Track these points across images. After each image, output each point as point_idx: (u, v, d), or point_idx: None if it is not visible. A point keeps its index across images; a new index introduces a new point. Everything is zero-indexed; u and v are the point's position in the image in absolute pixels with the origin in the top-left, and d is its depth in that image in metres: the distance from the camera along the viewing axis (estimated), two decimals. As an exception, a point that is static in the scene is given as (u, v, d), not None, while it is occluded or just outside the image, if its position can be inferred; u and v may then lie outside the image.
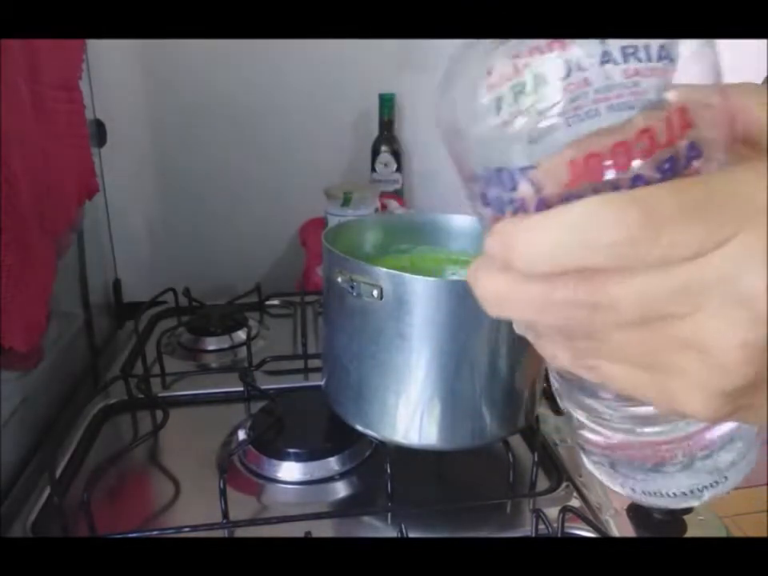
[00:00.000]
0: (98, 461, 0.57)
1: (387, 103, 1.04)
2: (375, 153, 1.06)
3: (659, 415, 0.22)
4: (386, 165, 1.06)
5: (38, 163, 0.58)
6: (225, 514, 0.48)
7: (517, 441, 0.58)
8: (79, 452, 0.58)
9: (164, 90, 1.02)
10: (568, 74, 0.18)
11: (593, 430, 0.25)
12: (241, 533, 0.48)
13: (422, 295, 0.45)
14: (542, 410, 0.56)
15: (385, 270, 0.46)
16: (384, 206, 0.97)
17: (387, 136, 1.06)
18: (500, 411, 0.50)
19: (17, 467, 0.57)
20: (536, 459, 0.52)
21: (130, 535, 0.47)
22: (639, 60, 0.18)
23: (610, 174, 0.17)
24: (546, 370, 0.47)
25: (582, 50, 0.18)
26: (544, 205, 0.18)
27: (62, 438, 0.59)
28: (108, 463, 0.52)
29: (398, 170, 1.07)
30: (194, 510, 0.50)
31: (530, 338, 0.22)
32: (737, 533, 0.50)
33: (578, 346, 0.20)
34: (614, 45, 0.18)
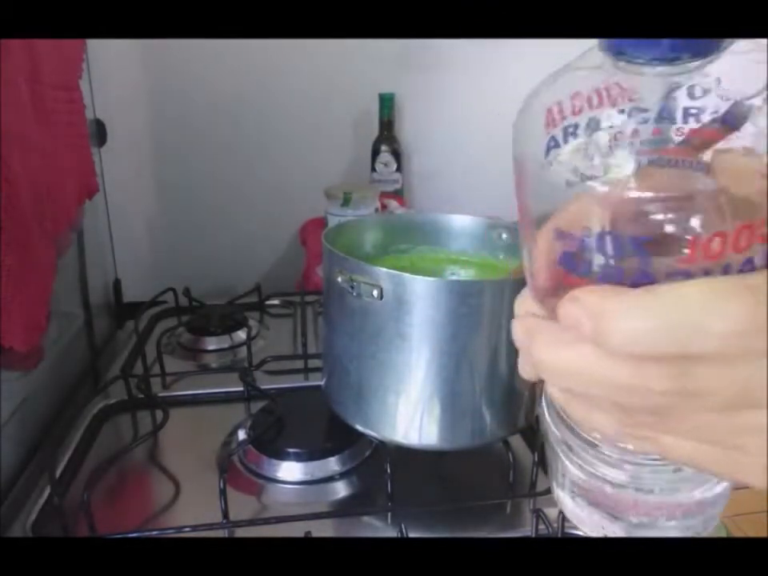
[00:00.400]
0: (98, 461, 0.57)
1: (387, 103, 1.04)
2: (375, 153, 1.06)
3: (660, 477, 0.22)
4: (386, 165, 1.06)
5: (37, 163, 0.58)
6: (225, 514, 0.48)
7: (517, 441, 0.58)
8: (79, 452, 0.58)
9: (164, 90, 1.02)
10: (621, 124, 0.17)
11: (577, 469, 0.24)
12: (241, 533, 0.48)
13: (421, 295, 0.45)
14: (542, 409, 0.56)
15: (385, 269, 0.46)
16: (384, 206, 0.97)
17: (387, 136, 1.06)
18: (500, 411, 0.50)
19: (17, 467, 0.57)
20: (536, 459, 0.52)
21: (130, 535, 0.47)
22: (699, 122, 0.17)
23: (728, 257, 0.17)
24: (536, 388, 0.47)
25: (642, 100, 0.17)
26: (646, 278, 0.17)
27: (62, 438, 0.59)
28: (108, 463, 0.52)
29: (398, 169, 1.07)
30: (194, 510, 0.50)
31: (562, 400, 0.21)
32: (737, 533, 0.50)
33: (637, 419, 0.19)
34: (680, 102, 0.17)
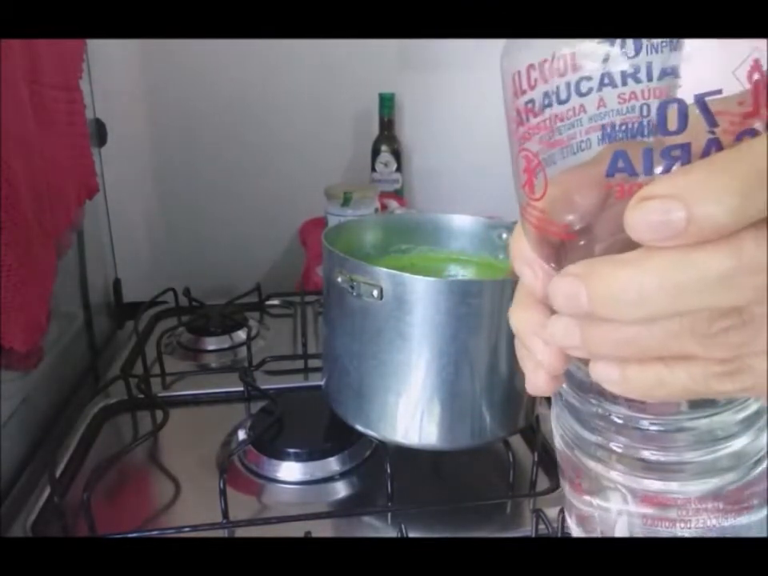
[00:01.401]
0: (97, 461, 0.57)
1: (387, 103, 1.04)
2: (375, 153, 1.06)
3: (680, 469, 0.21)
4: (386, 165, 1.06)
5: (37, 163, 0.58)
6: (225, 514, 0.48)
7: (517, 441, 0.58)
8: (79, 452, 0.58)
9: (164, 90, 1.02)
10: (568, 99, 0.17)
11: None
12: (241, 533, 0.48)
13: (421, 295, 0.45)
14: (542, 409, 0.56)
15: (385, 269, 0.46)
16: (384, 206, 0.97)
17: (387, 136, 1.06)
18: (500, 411, 0.50)
19: (17, 467, 0.57)
20: (536, 459, 0.52)
21: (130, 535, 0.47)
22: (639, 81, 0.16)
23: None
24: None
25: (584, 71, 0.17)
26: None
27: (61, 438, 0.59)
28: (108, 463, 0.52)
29: (398, 169, 1.07)
30: (194, 509, 0.50)
31: (615, 375, 0.18)
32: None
33: (726, 345, 0.16)
34: (615, 66, 0.16)
